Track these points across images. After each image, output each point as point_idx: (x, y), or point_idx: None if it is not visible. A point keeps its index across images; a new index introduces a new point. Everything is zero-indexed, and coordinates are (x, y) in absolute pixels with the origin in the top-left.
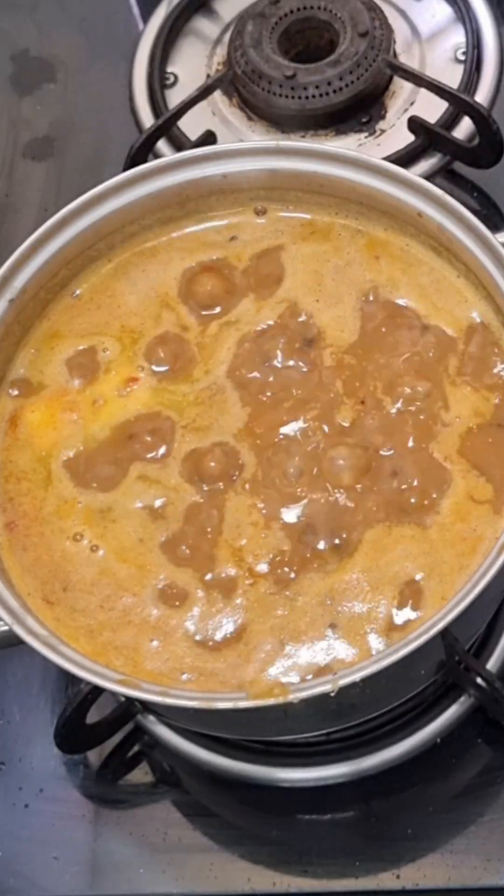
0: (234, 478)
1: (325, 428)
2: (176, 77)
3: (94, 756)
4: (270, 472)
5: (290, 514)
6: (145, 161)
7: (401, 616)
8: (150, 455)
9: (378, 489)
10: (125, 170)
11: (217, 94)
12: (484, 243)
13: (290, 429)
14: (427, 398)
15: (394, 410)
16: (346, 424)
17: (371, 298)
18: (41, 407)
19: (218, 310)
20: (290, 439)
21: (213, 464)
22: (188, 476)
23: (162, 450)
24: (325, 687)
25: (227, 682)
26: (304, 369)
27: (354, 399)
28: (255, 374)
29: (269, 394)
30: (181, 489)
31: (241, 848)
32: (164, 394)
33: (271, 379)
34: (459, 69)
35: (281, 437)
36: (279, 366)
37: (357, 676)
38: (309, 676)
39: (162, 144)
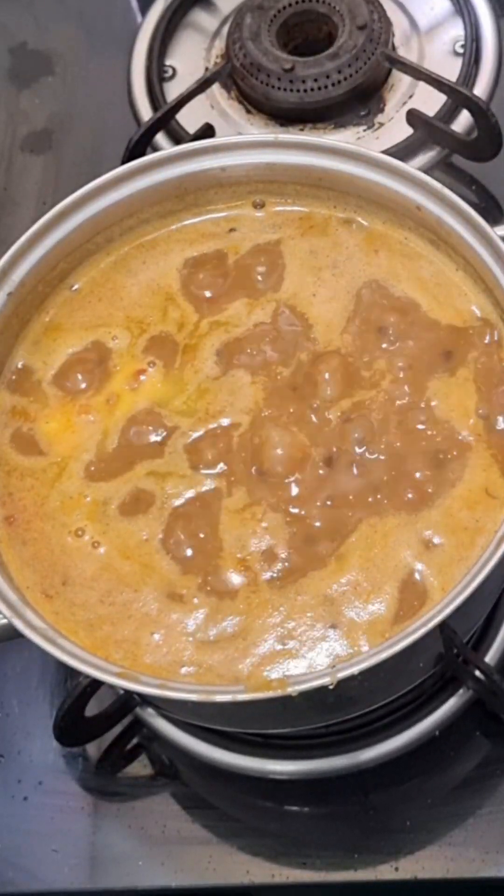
0: (236, 476)
1: (323, 424)
2: (174, 70)
3: (93, 749)
4: (273, 469)
5: (292, 513)
6: (144, 154)
7: (400, 608)
8: (155, 452)
9: (376, 483)
10: (123, 163)
11: (215, 88)
12: (483, 237)
13: (290, 424)
14: (433, 393)
15: (401, 406)
16: (346, 422)
17: (370, 292)
18: (55, 415)
19: (218, 302)
20: (292, 435)
21: (211, 456)
22: (192, 471)
23: (166, 444)
24: (324, 680)
25: (226, 676)
26: (304, 363)
27: (355, 396)
28: (254, 370)
29: (271, 389)
30: (186, 485)
31: (240, 840)
32: (172, 386)
33: (271, 375)
34: (458, 62)
35: (282, 433)
36: (277, 357)
37: (355, 669)
38: (308, 671)
39: (160, 137)
